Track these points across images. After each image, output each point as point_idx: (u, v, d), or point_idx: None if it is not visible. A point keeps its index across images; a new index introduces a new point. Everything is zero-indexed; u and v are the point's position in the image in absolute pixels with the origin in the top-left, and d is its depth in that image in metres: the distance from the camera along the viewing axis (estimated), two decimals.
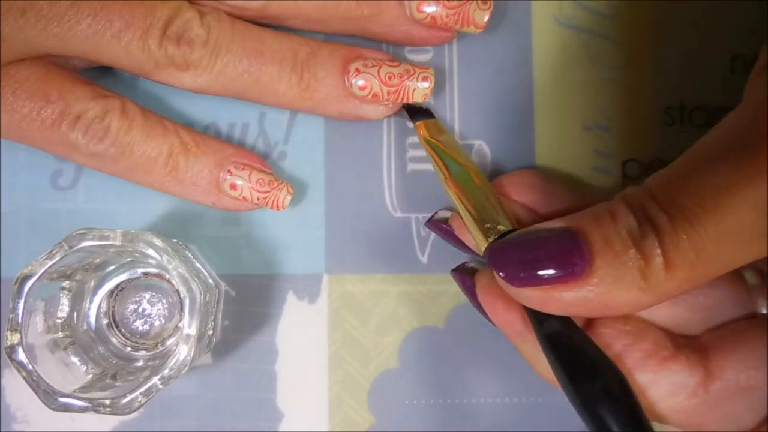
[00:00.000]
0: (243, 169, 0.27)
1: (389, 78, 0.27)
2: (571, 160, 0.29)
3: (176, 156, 0.27)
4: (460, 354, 0.29)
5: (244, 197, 0.27)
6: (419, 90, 0.27)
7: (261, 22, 0.28)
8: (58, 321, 0.26)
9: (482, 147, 0.29)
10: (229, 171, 0.27)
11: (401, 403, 0.29)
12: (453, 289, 0.29)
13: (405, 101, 0.27)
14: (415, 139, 0.29)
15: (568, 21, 0.29)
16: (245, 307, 0.29)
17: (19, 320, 0.24)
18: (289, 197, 0.27)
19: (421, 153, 0.29)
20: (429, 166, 0.29)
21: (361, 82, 0.27)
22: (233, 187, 0.27)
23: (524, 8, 0.29)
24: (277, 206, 0.27)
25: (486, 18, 0.27)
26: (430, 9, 0.27)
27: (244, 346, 0.29)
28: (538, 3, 0.29)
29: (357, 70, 0.27)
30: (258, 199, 0.27)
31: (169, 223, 0.29)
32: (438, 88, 0.29)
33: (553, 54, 0.29)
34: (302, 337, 0.29)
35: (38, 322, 0.25)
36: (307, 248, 0.29)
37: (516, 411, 0.29)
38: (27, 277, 0.24)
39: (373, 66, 0.27)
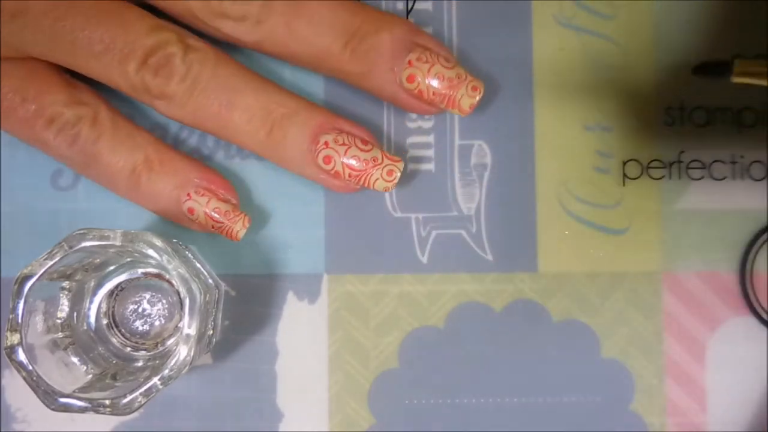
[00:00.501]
0: (203, 195, 0.27)
1: (355, 160, 0.26)
2: (571, 160, 0.29)
3: (138, 173, 0.27)
4: (460, 354, 0.29)
5: (199, 222, 0.27)
6: (380, 182, 0.27)
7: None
8: (58, 321, 0.26)
9: (482, 147, 0.29)
10: (189, 194, 0.27)
11: (401, 403, 0.29)
12: (453, 289, 0.29)
13: (365, 187, 0.27)
14: (415, 138, 0.29)
15: (568, 21, 0.29)
16: (245, 307, 0.29)
17: (19, 320, 0.24)
18: (243, 231, 0.27)
19: (422, 152, 0.29)
20: (429, 166, 0.29)
21: (326, 157, 0.26)
22: (190, 211, 0.27)
23: (524, 8, 0.29)
24: (231, 237, 0.27)
25: (472, 104, 0.27)
26: (420, 82, 0.26)
27: (244, 346, 0.29)
28: (538, 3, 0.29)
29: (326, 143, 0.26)
30: (212, 227, 0.27)
31: (169, 223, 0.29)
32: None
33: (553, 54, 0.29)
34: (302, 337, 0.29)
35: (38, 322, 0.25)
36: (307, 248, 0.29)
37: (516, 411, 0.29)
38: (27, 277, 0.24)
39: (343, 144, 0.26)
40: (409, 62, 0.26)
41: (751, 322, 0.29)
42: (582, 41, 0.29)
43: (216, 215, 0.27)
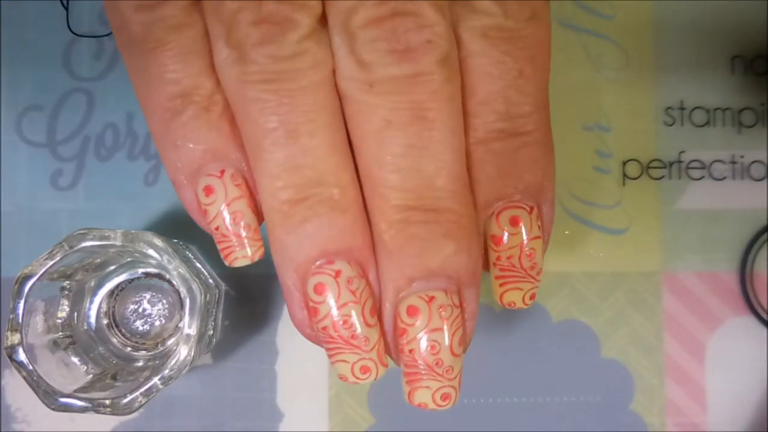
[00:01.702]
0: (237, 185, 0.20)
1: (345, 320, 0.19)
2: (571, 160, 0.29)
3: (189, 101, 0.19)
4: None
5: (204, 211, 0.20)
6: (344, 366, 0.19)
7: None
8: (58, 321, 0.26)
9: None
10: (222, 171, 0.20)
11: (401, 403, 0.28)
12: None
13: (328, 356, 0.20)
14: None
15: (568, 21, 0.29)
16: (245, 308, 0.29)
17: (20, 320, 0.24)
18: (244, 261, 0.20)
19: None
20: None
21: (320, 285, 0.19)
22: (208, 190, 0.20)
23: None
24: (225, 257, 0.20)
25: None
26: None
27: (244, 346, 0.29)
28: None
29: (338, 272, 0.19)
30: (216, 229, 0.20)
31: (169, 223, 0.29)
32: None
33: (553, 54, 0.29)
34: (302, 337, 0.29)
35: (38, 322, 0.25)
36: None
37: (516, 411, 0.29)
38: (27, 277, 0.24)
39: (352, 294, 0.19)
40: (430, 299, 0.19)
41: (751, 322, 0.29)
42: (582, 41, 0.29)
43: (230, 222, 0.20)
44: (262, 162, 0.19)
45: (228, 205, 0.20)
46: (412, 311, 0.19)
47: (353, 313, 0.19)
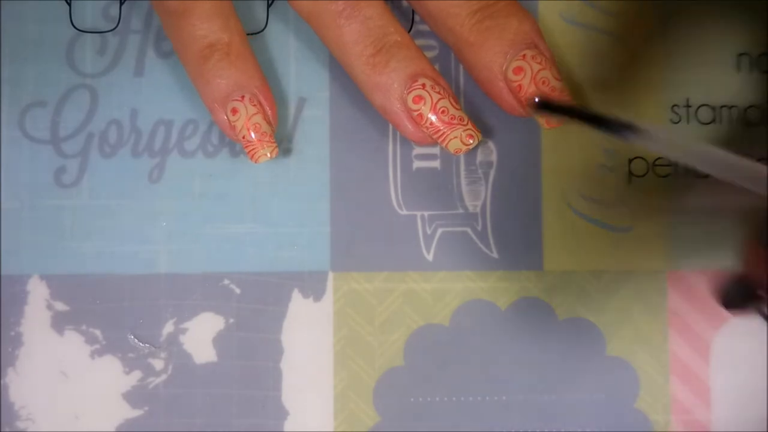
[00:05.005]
0: (254, 105, 0.27)
1: (443, 112, 0.26)
2: (577, 158, 0.29)
3: (213, 51, 0.27)
4: (465, 352, 0.29)
5: (234, 126, 0.27)
6: (457, 142, 0.27)
7: None
8: None
9: (488, 145, 0.29)
10: (242, 97, 0.27)
11: (406, 400, 0.29)
12: (458, 287, 0.29)
13: (438, 141, 0.27)
14: None
15: (574, 18, 0.29)
16: (250, 305, 0.29)
17: None
18: (265, 158, 0.27)
19: (428, 150, 0.29)
20: (435, 164, 0.29)
21: (417, 97, 0.26)
22: (234, 111, 0.27)
23: (530, 6, 0.29)
24: (252, 157, 0.27)
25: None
26: (524, 78, 0.26)
27: (249, 343, 0.29)
28: (544, 2, 0.29)
29: (423, 85, 0.26)
30: (242, 137, 0.27)
31: (173, 219, 0.29)
32: None
33: (559, 51, 0.29)
34: (307, 335, 0.29)
35: None
36: (312, 246, 0.29)
37: (521, 409, 0.29)
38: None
39: (438, 93, 0.26)
40: (523, 56, 0.26)
41: (756, 320, 0.29)
42: (588, 39, 0.29)
43: (253, 132, 0.27)
44: (341, 38, 0.26)
45: (249, 119, 0.27)
46: (517, 71, 0.26)
47: (444, 104, 0.26)
